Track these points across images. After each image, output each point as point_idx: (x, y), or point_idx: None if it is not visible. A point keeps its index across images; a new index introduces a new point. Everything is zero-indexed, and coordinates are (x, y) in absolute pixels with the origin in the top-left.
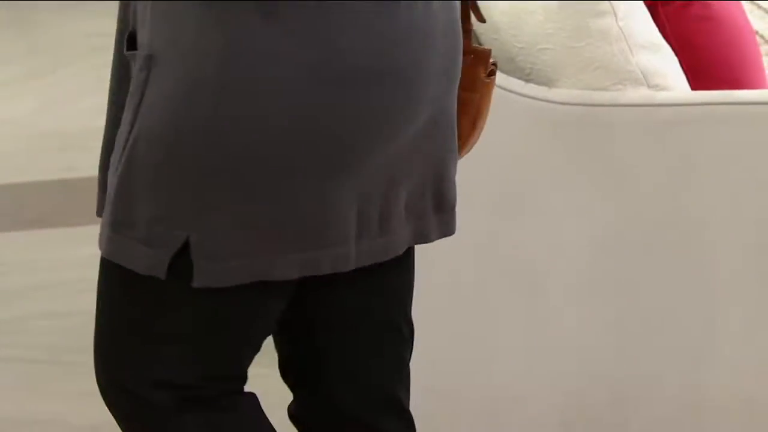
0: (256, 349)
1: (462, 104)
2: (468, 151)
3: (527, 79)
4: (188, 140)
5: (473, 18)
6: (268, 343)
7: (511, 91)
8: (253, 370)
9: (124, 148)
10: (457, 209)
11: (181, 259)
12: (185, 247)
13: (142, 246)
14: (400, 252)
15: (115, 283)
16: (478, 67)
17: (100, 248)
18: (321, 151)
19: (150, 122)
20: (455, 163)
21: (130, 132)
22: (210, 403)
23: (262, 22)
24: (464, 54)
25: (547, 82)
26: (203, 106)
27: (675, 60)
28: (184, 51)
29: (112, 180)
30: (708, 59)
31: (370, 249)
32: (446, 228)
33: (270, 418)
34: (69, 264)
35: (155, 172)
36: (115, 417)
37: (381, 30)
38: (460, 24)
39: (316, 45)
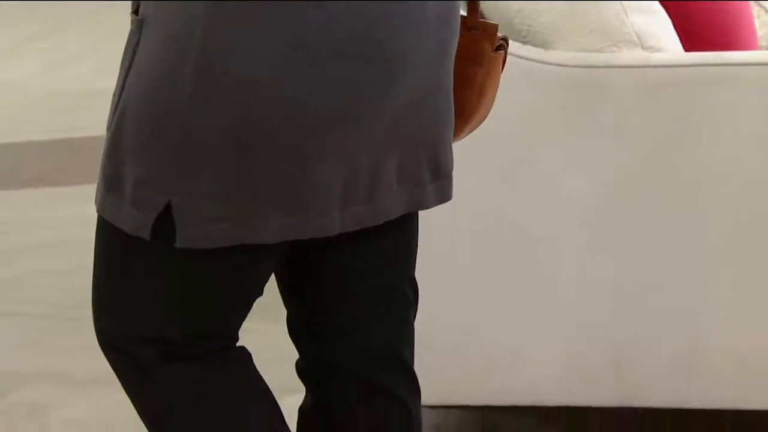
0: (245, 308)
1: (467, 78)
2: (475, 127)
3: (524, 41)
4: (174, 113)
5: None
6: (264, 300)
7: (508, 53)
8: (247, 326)
9: (115, 110)
10: (453, 173)
11: (165, 221)
12: (168, 209)
13: (129, 207)
14: (392, 217)
15: (107, 240)
16: (484, 41)
17: (95, 203)
18: (303, 129)
19: (138, 89)
20: (451, 132)
21: (120, 93)
22: (195, 358)
23: None
24: (471, 28)
25: (544, 44)
26: (187, 74)
27: (669, 22)
28: (169, 16)
29: (106, 137)
30: (701, 21)
31: (355, 215)
32: (443, 194)
33: (263, 374)
34: (70, 222)
35: (141, 139)
36: (113, 370)
37: (362, 8)
38: None
39: (295, 24)
